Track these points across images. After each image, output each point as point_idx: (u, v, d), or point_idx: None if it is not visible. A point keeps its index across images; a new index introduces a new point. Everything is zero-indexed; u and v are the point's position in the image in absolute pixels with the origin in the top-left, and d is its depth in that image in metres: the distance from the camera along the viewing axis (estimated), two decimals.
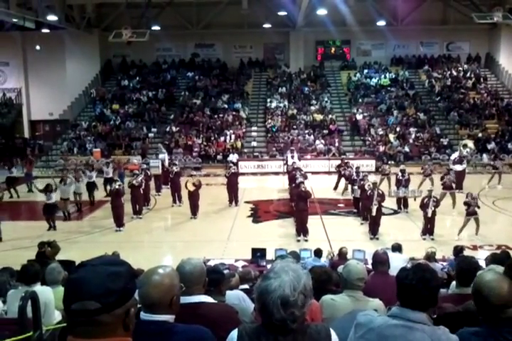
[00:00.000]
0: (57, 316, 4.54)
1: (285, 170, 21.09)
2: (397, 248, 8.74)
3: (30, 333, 3.46)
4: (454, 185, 15.95)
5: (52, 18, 23.18)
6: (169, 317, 2.13)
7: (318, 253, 9.17)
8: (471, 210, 12.63)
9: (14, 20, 22.39)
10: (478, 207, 12.84)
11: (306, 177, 15.88)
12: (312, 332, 1.96)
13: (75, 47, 28.81)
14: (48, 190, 14.51)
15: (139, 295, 2.14)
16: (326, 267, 6.30)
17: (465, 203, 12.85)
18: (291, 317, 1.85)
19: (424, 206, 12.86)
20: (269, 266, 7.99)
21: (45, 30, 26.61)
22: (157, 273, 2.14)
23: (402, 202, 15.70)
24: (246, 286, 5.55)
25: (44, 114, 29.80)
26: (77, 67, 29.65)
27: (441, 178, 16.06)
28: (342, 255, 8.97)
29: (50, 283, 5.08)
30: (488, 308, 2.23)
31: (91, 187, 17.45)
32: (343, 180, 18.38)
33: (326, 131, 26.16)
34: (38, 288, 4.54)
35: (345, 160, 19.69)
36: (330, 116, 27.22)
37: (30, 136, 30.61)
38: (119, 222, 14.36)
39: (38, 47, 28.73)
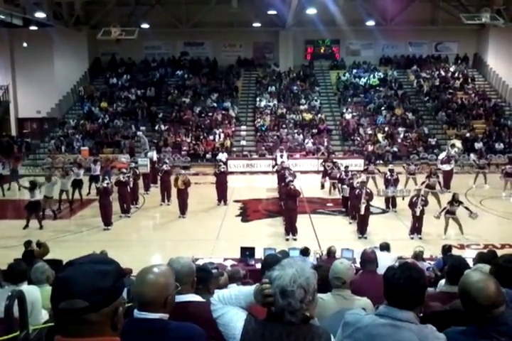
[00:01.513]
0: (45, 316, 4.51)
1: (272, 167, 21.09)
2: (385, 247, 8.79)
3: (17, 333, 3.43)
4: (437, 186, 16.14)
5: (40, 15, 23.00)
6: (163, 316, 2.13)
7: (305, 252, 9.18)
8: (451, 209, 12.76)
9: (1, 17, 22.19)
10: (466, 208, 12.97)
11: (295, 177, 15.91)
12: (314, 335, 2.02)
13: (63, 45, 28.59)
14: (31, 187, 14.39)
15: (133, 294, 2.14)
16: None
17: (449, 203, 12.99)
18: (289, 307, 1.95)
19: (412, 205, 12.95)
20: (258, 266, 8.01)
21: (33, 28, 26.40)
22: (152, 272, 2.14)
23: (391, 202, 15.79)
24: (235, 285, 5.55)
25: (31, 111, 29.54)
26: (65, 64, 29.43)
27: (427, 176, 16.22)
28: (331, 254, 9.00)
29: (36, 282, 5.04)
30: (476, 309, 2.23)
31: (77, 184, 17.28)
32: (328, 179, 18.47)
33: (315, 131, 26.23)
34: (25, 288, 4.51)
35: (334, 160, 19.74)
36: (319, 115, 27.30)
37: (18, 133, 30.33)
38: (107, 221, 14.27)
39: (24, 45, 28.49)
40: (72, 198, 17.00)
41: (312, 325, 2.08)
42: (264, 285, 2.05)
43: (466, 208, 13.05)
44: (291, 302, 1.94)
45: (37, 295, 4.53)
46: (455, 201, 12.86)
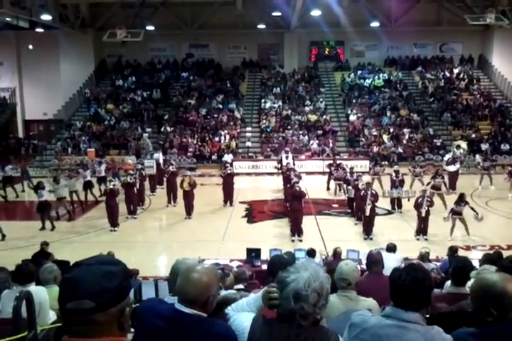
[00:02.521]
0: (52, 316, 4.53)
1: (278, 169, 21.17)
2: (391, 248, 8.76)
3: (25, 333, 3.46)
4: (443, 187, 16.09)
5: (46, 17, 23.08)
6: (200, 314, 2.13)
7: (311, 253, 9.19)
8: (457, 210, 12.72)
9: (8, 19, 22.30)
10: (472, 209, 12.92)
11: (300, 178, 15.92)
12: (323, 336, 2.03)
13: (69, 47, 28.68)
14: (38, 187, 14.46)
15: (177, 290, 2.16)
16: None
17: (456, 203, 12.96)
18: (301, 311, 1.95)
19: (418, 206, 12.92)
20: (264, 267, 8.03)
21: (39, 30, 26.50)
22: (197, 271, 2.15)
23: (396, 203, 15.77)
24: (241, 286, 5.56)
25: (38, 113, 29.68)
26: (71, 66, 29.56)
27: (432, 177, 16.19)
28: (336, 255, 9.00)
29: (44, 282, 5.08)
30: (500, 309, 2.19)
31: (88, 186, 17.41)
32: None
33: (320, 132, 26.21)
34: (33, 288, 4.53)
35: (338, 161, 19.73)
36: (324, 116, 27.29)
37: (25, 135, 30.49)
38: (113, 222, 14.34)
39: (30, 47, 28.65)
40: (85, 199, 17.23)
41: (322, 326, 2.08)
42: (271, 289, 2.06)
43: (472, 209, 13.01)
44: (304, 306, 1.94)
45: (45, 295, 4.56)
46: (462, 201, 12.83)
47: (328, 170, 19.56)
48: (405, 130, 26.02)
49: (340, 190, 17.92)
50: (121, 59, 31.74)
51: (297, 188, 13.16)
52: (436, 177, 16.01)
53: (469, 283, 3.96)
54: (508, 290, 2.19)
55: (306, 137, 25.72)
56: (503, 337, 2.16)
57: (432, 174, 16.71)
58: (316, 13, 23.61)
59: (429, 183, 16.07)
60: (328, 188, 18.92)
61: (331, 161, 20.11)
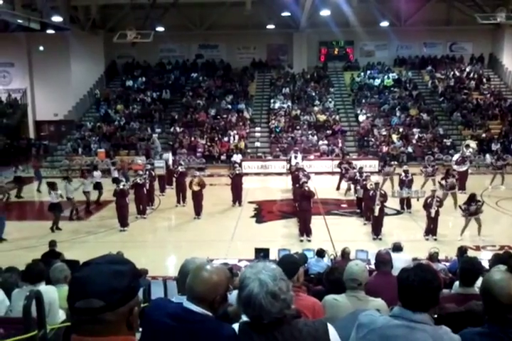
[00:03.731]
0: (62, 315, 4.57)
1: (288, 170, 21.18)
2: (398, 247, 8.70)
3: (35, 332, 3.49)
4: (456, 186, 15.98)
5: (57, 19, 23.22)
6: (207, 314, 2.13)
7: (320, 253, 9.19)
8: (472, 210, 12.63)
9: (19, 21, 22.43)
10: (479, 207, 12.78)
11: (309, 178, 15.91)
12: (310, 329, 2.01)
13: (79, 48, 28.84)
14: (53, 188, 14.56)
15: (186, 287, 2.17)
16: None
17: (465, 204, 12.85)
18: (284, 304, 1.94)
19: (427, 206, 12.87)
20: None
21: (50, 31, 26.67)
22: (206, 270, 2.15)
23: (405, 203, 15.71)
24: None
25: (49, 114, 29.88)
26: (81, 67, 29.73)
27: (443, 178, 16.08)
28: (345, 255, 8.99)
29: (54, 281, 5.12)
30: (497, 308, 2.21)
31: (98, 187, 17.53)
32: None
33: (329, 132, 26.17)
34: (43, 288, 4.57)
35: (349, 161, 19.67)
36: (333, 116, 27.24)
37: (35, 136, 30.70)
38: (123, 222, 14.42)
39: (41, 48, 28.85)
40: (98, 200, 17.38)
41: (305, 319, 2.07)
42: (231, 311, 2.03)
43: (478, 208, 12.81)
44: (285, 298, 1.94)
45: (54, 295, 4.60)
46: (472, 201, 12.72)
47: (339, 169, 19.50)
48: (415, 130, 25.89)
49: (349, 189, 17.88)
50: (132, 60, 31.88)
51: (306, 188, 13.17)
52: (448, 178, 15.88)
53: (478, 283, 3.96)
54: (509, 288, 2.20)
55: (315, 137, 25.68)
56: (509, 336, 2.17)
57: (443, 175, 16.56)
58: (325, 12, 23.54)
59: (441, 184, 15.84)
60: (338, 188, 18.87)
61: (342, 160, 20.07)
